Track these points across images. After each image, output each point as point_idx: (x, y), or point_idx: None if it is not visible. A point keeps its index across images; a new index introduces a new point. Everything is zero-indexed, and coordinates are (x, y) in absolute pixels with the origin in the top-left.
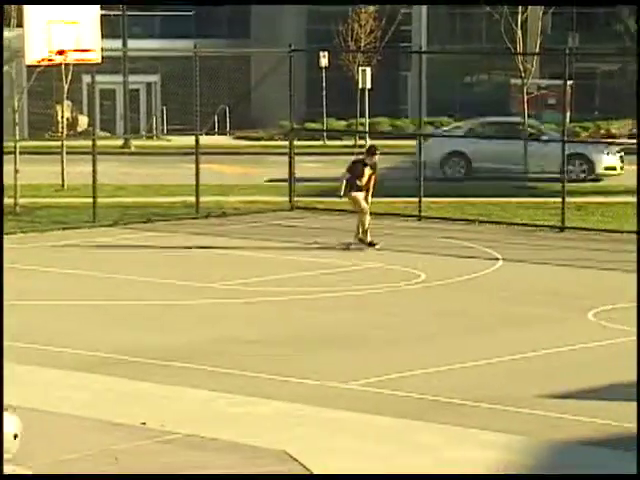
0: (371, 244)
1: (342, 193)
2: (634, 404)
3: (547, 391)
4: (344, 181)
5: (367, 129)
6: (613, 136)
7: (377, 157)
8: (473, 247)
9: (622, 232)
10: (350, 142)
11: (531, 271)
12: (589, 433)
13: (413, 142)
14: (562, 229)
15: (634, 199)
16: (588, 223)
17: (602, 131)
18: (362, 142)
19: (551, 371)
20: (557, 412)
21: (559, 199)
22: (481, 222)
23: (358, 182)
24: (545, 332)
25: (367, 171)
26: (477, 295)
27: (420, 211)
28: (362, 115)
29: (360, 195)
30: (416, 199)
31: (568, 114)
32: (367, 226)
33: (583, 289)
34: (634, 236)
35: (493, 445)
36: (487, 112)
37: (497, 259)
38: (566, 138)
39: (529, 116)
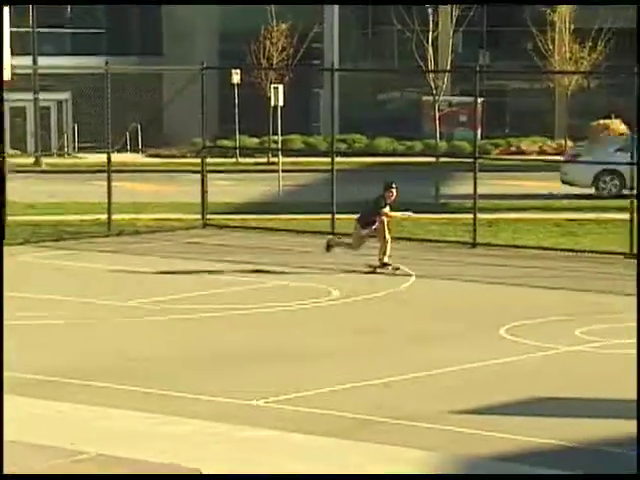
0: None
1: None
2: (547, 419)
3: (461, 407)
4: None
5: (280, 146)
6: (523, 152)
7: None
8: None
9: (534, 248)
10: (263, 159)
11: (443, 287)
12: (504, 448)
13: (326, 159)
14: (474, 245)
15: (542, 215)
16: (499, 239)
17: (512, 148)
18: (275, 159)
19: (464, 387)
20: (472, 428)
21: (470, 215)
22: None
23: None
24: (457, 348)
25: (386, 210)
26: (390, 311)
27: (334, 227)
28: (275, 132)
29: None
30: (329, 215)
31: (479, 131)
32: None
33: (494, 305)
34: (543, 252)
35: (415, 462)
36: (399, 129)
37: (410, 275)
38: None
39: (441, 133)
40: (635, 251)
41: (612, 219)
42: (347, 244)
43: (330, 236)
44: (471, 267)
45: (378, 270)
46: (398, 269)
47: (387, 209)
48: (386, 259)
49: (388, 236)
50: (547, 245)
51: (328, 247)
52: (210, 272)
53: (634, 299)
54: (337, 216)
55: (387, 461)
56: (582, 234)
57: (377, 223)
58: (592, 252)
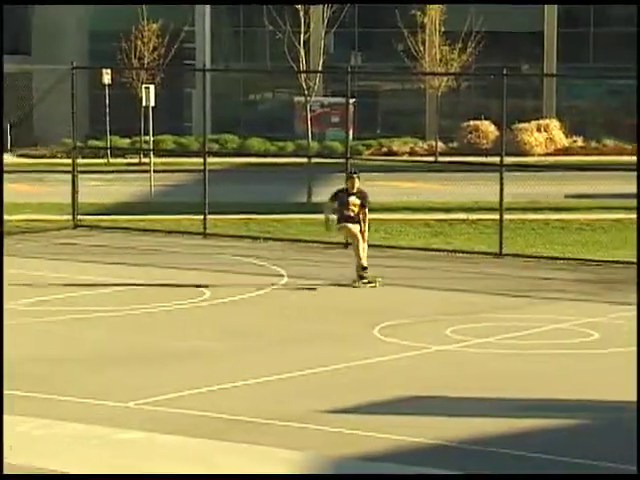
0: (362, 278)
1: (327, 227)
2: (417, 417)
3: (333, 406)
4: (329, 214)
5: (151, 147)
6: (394, 153)
7: (357, 181)
8: (258, 264)
9: (407, 249)
10: (135, 160)
11: (317, 287)
12: (374, 447)
13: (198, 159)
14: (346, 245)
15: (413, 216)
16: (371, 240)
17: (384, 149)
18: (146, 160)
19: (336, 386)
20: (343, 427)
21: None
22: (266, 239)
23: (346, 212)
24: (331, 348)
25: (353, 200)
26: (263, 312)
27: (205, 228)
28: (146, 133)
29: (350, 225)
30: (201, 217)
31: (351, 132)
32: (363, 260)
33: (367, 305)
34: (414, 252)
35: (285, 462)
36: (272, 130)
37: (282, 276)
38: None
39: (313, 134)
40: (503, 251)
41: (482, 219)
42: (356, 256)
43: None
44: (343, 267)
45: (363, 274)
46: (356, 283)
47: (353, 199)
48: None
49: (357, 233)
50: (419, 245)
51: (361, 278)
52: (81, 273)
53: (505, 299)
54: (209, 217)
55: (258, 461)
56: (453, 234)
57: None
58: (463, 252)
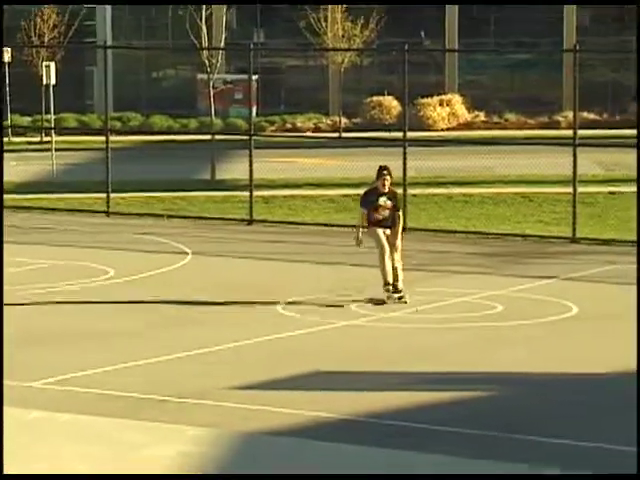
0: (396, 293)
1: (357, 241)
2: (324, 393)
3: (239, 383)
4: (359, 230)
5: (53, 125)
6: (298, 129)
7: (389, 180)
8: (162, 242)
9: (310, 224)
10: (36, 138)
11: (220, 264)
12: (282, 423)
13: (100, 138)
14: (250, 222)
15: (317, 192)
16: (275, 216)
17: (288, 125)
18: (48, 138)
19: (243, 363)
20: (251, 403)
21: (246, 193)
22: (170, 217)
23: (376, 214)
24: (235, 325)
25: (384, 201)
26: (167, 290)
27: (108, 207)
28: (47, 111)
29: (380, 231)
30: (104, 195)
31: (254, 109)
32: (388, 271)
33: (271, 281)
34: (318, 228)
35: (192, 439)
36: (174, 107)
37: (186, 253)
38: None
39: (216, 111)
40: (406, 226)
41: None
42: (381, 270)
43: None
44: (247, 244)
45: (389, 290)
46: (387, 300)
47: (383, 200)
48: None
49: (384, 241)
50: (323, 221)
51: (390, 292)
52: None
53: (409, 273)
54: (112, 195)
55: (163, 439)
56: (357, 209)
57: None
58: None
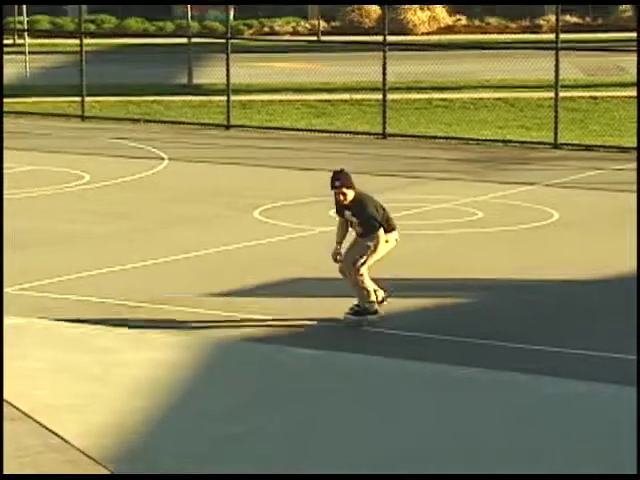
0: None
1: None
2: (301, 299)
3: (214, 290)
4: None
5: (26, 27)
6: (276, 33)
7: (345, 196)
8: (138, 147)
9: (289, 129)
10: (9, 41)
11: (197, 170)
12: (259, 329)
13: (74, 41)
14: (228, 127)
15: (296, 97)
16: (254, 121)
17: (266, 29)
18: (21, 41)
19: (219, 269)
20: (224, 310)
21: (224, 97)
22: (146, 121)
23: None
24: (213, 231)
25: (349, 216)
26: (144, 195)
27: (83, 111)
28: (20, 13)
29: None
30: (79, 98)
31: (232, 12)
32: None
33: (249, 187)
34: (297, 133)
35: (168, 346)
36: (150, 9)
37: (163, 158)
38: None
39: (192, 16)
40: (386, 131)
41: (365, 99)
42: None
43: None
44: (225, 149)
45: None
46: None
47: (349, 215)
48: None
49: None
50: (301, 126)
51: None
52: None
53: (388, 179)
54: (87, 99)
55: (139, 346)
56: (336, 115)
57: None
58: (346, 133)
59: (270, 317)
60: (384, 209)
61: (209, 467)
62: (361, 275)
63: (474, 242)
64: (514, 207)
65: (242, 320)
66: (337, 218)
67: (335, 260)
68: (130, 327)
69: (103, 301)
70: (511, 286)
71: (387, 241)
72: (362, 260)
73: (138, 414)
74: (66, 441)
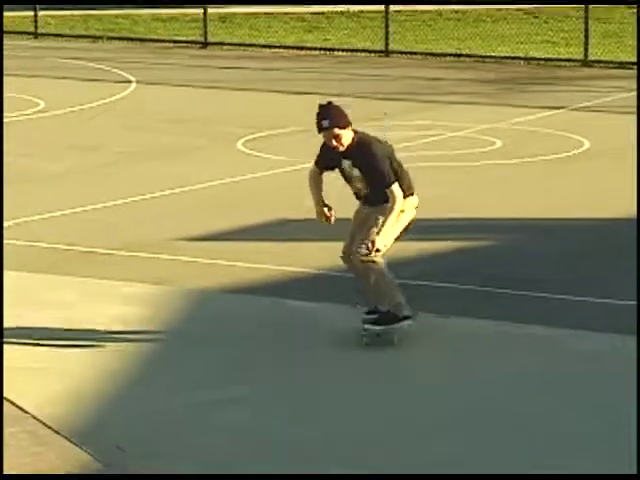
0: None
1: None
2: (291, 244)
3: (194, 233)
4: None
5: None
6: None
7: (339, 136)
8: (101, 69)
9: (276, 47)
10: None
11: (170, 94)
12: (243, 279)
13: None
14: (205, 45)
15: (285, 9)
16: (234, 37)
17: None
18: None
19: (197, 210)
20: (206, 257)
21: (200, 10)
22: (110, 38)
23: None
24: (189, 165)
25: (347, 166)
26: (110, 124)
27: (37, 27)
28: None
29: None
30: (31, 12)
31: None
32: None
33: (229, 114)
34: (285, 51)
35: (136, 297)
36: None
37: (130, 81)
38: None
39: None
40: (389, 48)
41: (365, 11)
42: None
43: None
44: (202, 70)
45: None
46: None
47: (347, 165)
48: None
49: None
50: (290, 43)
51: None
52: None
53: (393, 103)
54: (41, 13)
55: (103, 297)
56: (331, 29)
57: None
58: (343, 50)
59: (254, 265)
60: (400, 164)
61: (183, 437)
62: (378, 265)
63: (491, 176)
64: (537, 135)
65: (224, 268)
66: (310, 172)
67: (325, 219)
68: (86, 277)
69: (66, 248)
70: (533, 227)
71: (403, 211)
72: (379, 239)
73: (103, 378)
74: (23, 410)
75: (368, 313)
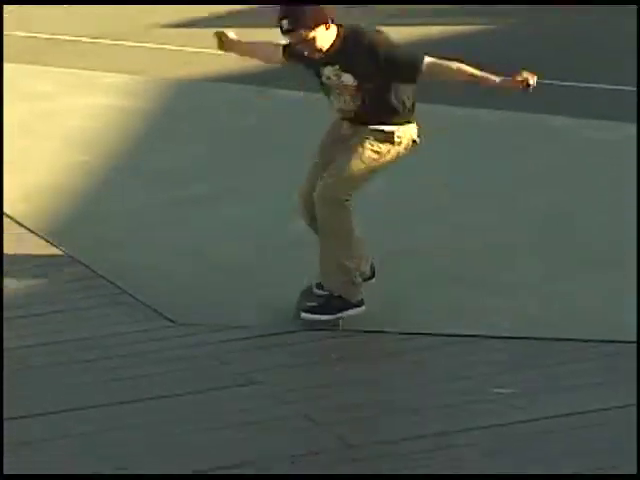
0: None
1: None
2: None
3: (177, 20)
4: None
5: None
6: None
7: (310, 38)
8: None
9: None
10: None
11: None
12: (217, 68)
13: None
14: None
15: None
16: None
17: None
18: None
19: None
20: (189, 46)
21: None
22: None
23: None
24: None
25: (333, 74)
26: None
27: None
28: None
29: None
30: None
31: None
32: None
33: None
34: None
35: (114, 87)
36: None
37: None
38: None
39: None
40: None
41: None
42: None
43: None
44: None
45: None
46: None
47: (332, 73)
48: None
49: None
50: None
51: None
52: None
53: None
54: None
55: (81, 88)
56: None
57: None
58: None
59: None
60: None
61: (160, 233)
62: (345, 209)
63: None
64: None
65: (204, 57)
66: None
67: (224, 47)
68: (64, 67)
69: (42, 37)
70: (527, 10)
71: (400, 143)
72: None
73: (79, 172)
74: None
75: (318, 286)
